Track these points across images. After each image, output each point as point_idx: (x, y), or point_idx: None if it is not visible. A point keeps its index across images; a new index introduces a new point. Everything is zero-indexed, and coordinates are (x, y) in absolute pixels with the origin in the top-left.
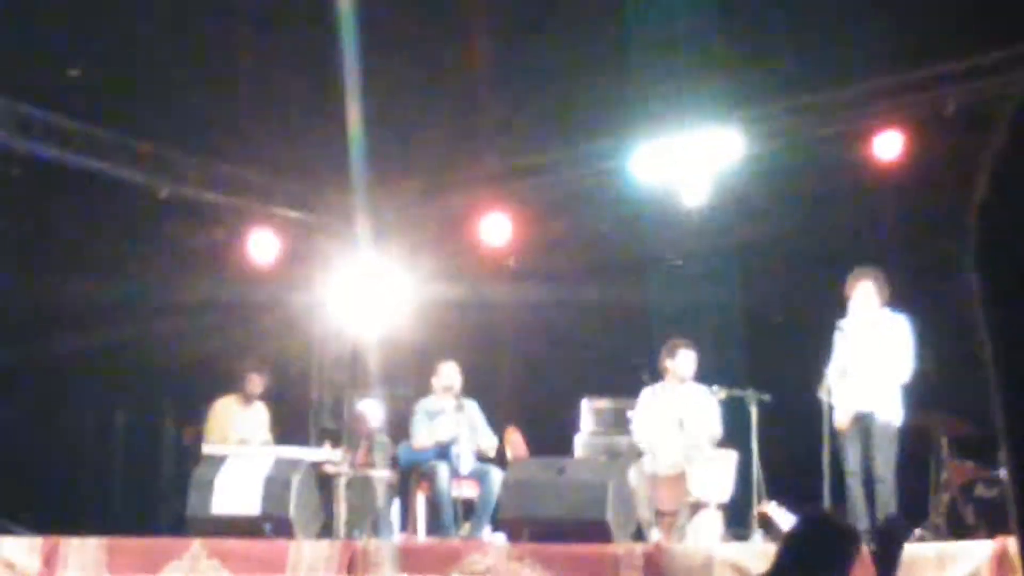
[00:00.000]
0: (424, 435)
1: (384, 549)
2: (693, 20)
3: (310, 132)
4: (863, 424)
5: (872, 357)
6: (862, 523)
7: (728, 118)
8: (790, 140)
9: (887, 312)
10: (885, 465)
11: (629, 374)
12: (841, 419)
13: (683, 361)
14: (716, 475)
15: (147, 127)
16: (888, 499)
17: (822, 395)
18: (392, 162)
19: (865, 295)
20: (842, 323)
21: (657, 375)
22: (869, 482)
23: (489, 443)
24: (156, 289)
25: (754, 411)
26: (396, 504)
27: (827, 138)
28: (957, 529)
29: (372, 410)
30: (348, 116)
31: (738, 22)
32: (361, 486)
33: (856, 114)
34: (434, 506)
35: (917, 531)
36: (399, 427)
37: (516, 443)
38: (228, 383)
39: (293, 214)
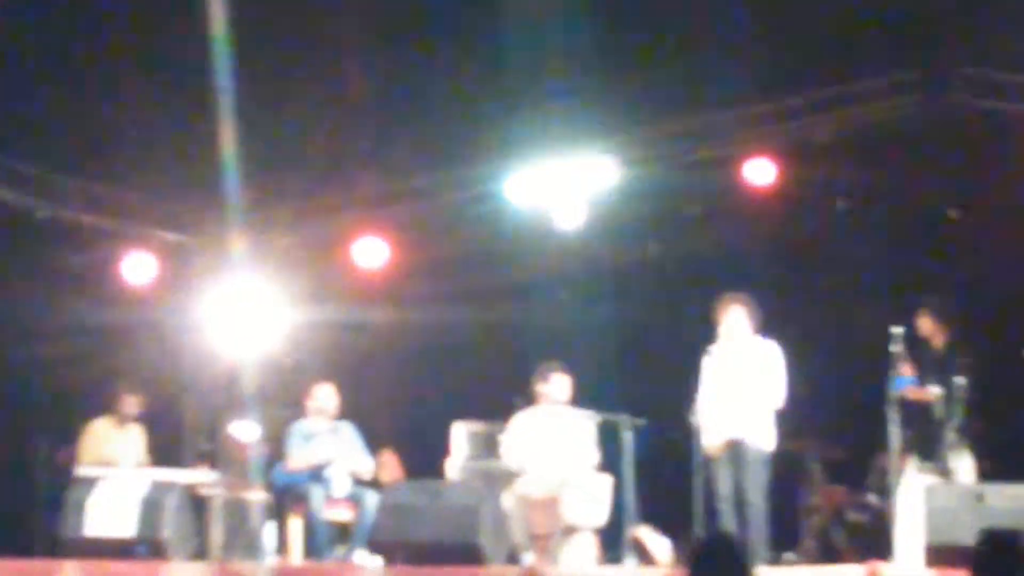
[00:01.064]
0: (298, 457)
1: (258, 572)
2: (568, 46)
3: (186, 154)
4: (735, 450)
5: (743, 383)
6: None
7: (602, 143)
8: (664, 165)
9: (757, 338)
10: (756, 490)
11: (504, 398)
12: (712, 443)
13: (556, 385)
14: (590, 499)
15: (23, 148)
16: (760, 523)
17: (694, 420)
18: (268, 184)
19: (735, 321)
20: (712, 348)
21: (531, 399)
22: (740, 507)
23: (365, 466)
24: (31, 311)
25: (628, 435)
26: (271, 527)
27: (700, 163)
28: (828, 553)
29: (247, 432)
30: (222, 138)
31: (612, 48)
32: (236, 508)
33: (729, 140)
34: (308, 529)
35: (788, 555)
36: (274, 449)
37: (391, 466)
38: (103, 405)
39: (169, 236)
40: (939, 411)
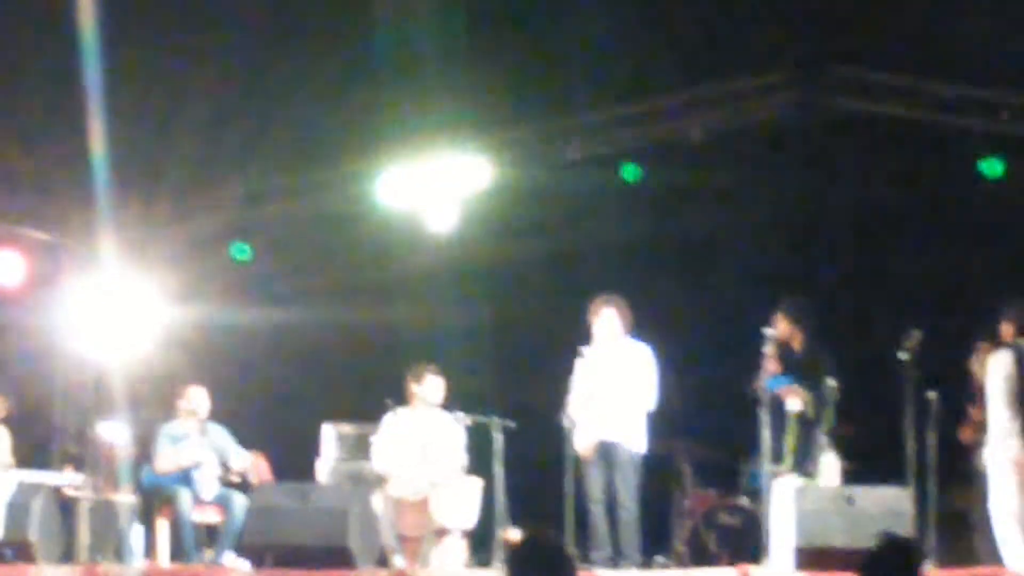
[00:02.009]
0: (167, 459)
1: (126, 574)
2: (440, 46)
3: (56, 153)
4: (607, 452)
5: (615, 385)
6: (603, 550)
7: (474, 143)
8: (536, 165)
9: (629, 340)
10: (628, 493)
11: (374, 399)
12: (583, 445)
13: (430, 387)
14: (460, 501)
15: None
16: (631, 526)
17: (566, 422)
18: (139, 183)
19: (607, 323)
20: (584, 350)
21: (402, 400)
22: (612, 509)
23: (241, 461)
24: None
25: (499, 438)
26: (138, 529)
27: (573, 163)
28: (699, 557)
29: (116, 434)
30: (92, 136)
31: (486, 48)
32: (104, 511)
33: (601, 140)
34: (176, 531)
35: (659, 558)
36: (143, 451)
37: (260, 468)
38: None
39: (38, 235)
40: (811, 412)
